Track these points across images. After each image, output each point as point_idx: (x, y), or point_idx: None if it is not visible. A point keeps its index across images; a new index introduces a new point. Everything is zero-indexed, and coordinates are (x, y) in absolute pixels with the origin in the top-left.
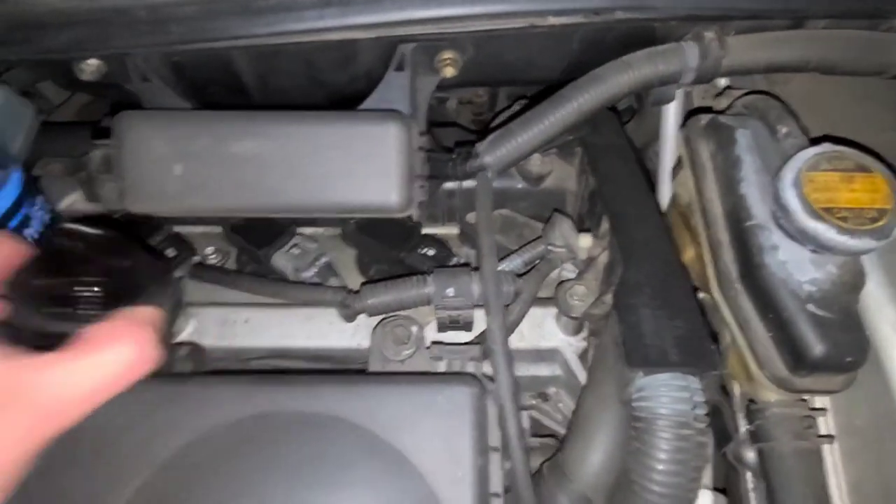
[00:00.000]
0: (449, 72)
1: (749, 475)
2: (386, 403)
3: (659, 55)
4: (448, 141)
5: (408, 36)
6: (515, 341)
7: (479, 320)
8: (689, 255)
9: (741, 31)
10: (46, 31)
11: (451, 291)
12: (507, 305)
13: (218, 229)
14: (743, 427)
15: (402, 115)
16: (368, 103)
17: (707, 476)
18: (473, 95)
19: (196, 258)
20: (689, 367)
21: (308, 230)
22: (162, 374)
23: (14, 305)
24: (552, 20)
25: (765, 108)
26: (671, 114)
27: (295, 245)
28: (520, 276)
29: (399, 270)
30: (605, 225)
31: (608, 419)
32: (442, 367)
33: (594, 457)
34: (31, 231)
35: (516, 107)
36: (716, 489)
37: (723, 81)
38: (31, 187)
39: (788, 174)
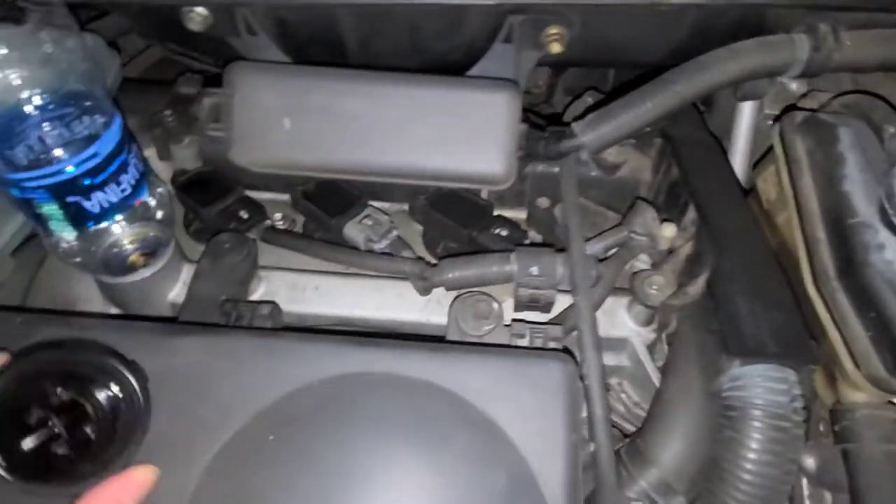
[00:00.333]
0: (555, 48)
1: (805, 481)
2: (480, 372)
3: (769, 45)
4: None
5: (521, 6)
6: None
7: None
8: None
9: (853, 27)
10: None
11: (534, 270)
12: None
13: (285, 197)
14: (822, 427)
15: (515, 85)
16: (473, 73)
17: None
18: (532, 86)
19: (268, 222)
20: (789, 360)
21: (377, 203)
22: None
23: None
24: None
25: (870, 108)
26: (747, 109)
27: (367, 216)
28: (600, 261)
29: (468, 249)
30: (689, 216)
31: (692, 408)
32: (523, 344)
33: (676, 444)
34: (128, 177)
35: (589, 98)
36: None
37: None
38: (128, 135)
39: None
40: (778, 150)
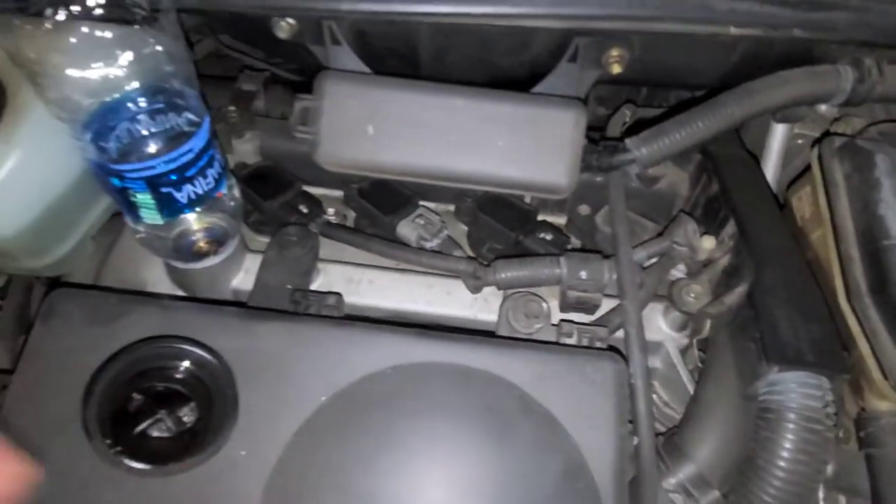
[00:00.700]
0: (616, 68)
1: (821, 485)
2: (539, 367)
3: (816, 74)
4: None
5: (587, 29)
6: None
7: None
8: None
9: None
10: None
11: (583, 274)
12: None
13: (338, 193)
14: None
15: (581, 104)
16: (539, 89)
17: None
18: None
19: (327, 217)
20: (824, 368)
21: (429, 203)
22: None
23: None
24: (734, 31)
25: None
26: (780, 130)
27: (420, 216)
28: (642, 269)
29: (513, 251)
30: (728, 230)
31: (728, 409)
32: (572, 342)
33: (712, 441)
34: (213, 171)
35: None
36: None
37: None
38: (213, 131)
39: None
40: (816, 172)
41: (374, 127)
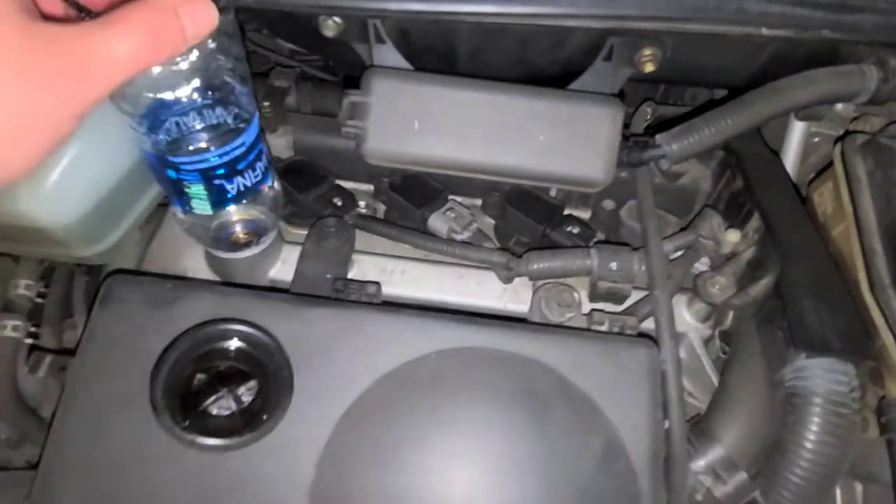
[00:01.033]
0: (648, 67)
1: None
2: (577, 352)
3: (841, 74)
4: None
5: (624, 29)
6: (648, 322)
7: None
8: None
9: None
10: None
11: (613, 266)
12: None
13: (368, 187)
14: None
15: (619, 101)
16: (574, 86)
17: None
18: None
19: (359, 209)
20: (850, 355)
21: (457, 197)
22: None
23: None
24: (765, 32)
25: None
26: (799, 127)
27: (450, 209)
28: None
29: (540, 244)
30: (753, 224)
31: (755, 395)
32: (603, 330)
33: (740, 425)
34: (261, 164)
35: (648, 108)
36: None
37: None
38: (261, 125)
39: None
40: (839, 168)
41: (420, 122)
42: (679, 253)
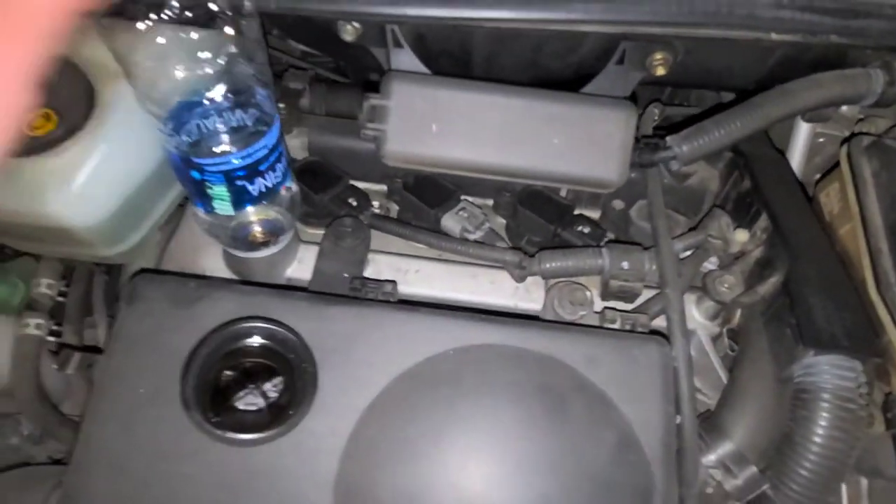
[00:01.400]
0: (660, 71)
1: None
2: (591, 349)
3: (848, 78)
4: None
5: (636, 34)
6: (659, 320)
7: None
8: None
9: None
10: None
11: (625, 265)
12: None
13: (381, 187)
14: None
15: (632, 105)
16: (588, 89)
17: None
18: None
19: (374, 209)
20: (857, 352)
21: (468, 197)
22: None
23: None
24: (774, 37)
25: None
26: (804, 128)
27: (463, 209)
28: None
29: (552, 244)
30: (761, 224)
31: (764, 390)
32: (615, 328)
33: (749, 421)
34: (282, 165)
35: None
36: None
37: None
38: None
39: None
40: (845, 169)
41: (438, 125)
42: (688, 252)
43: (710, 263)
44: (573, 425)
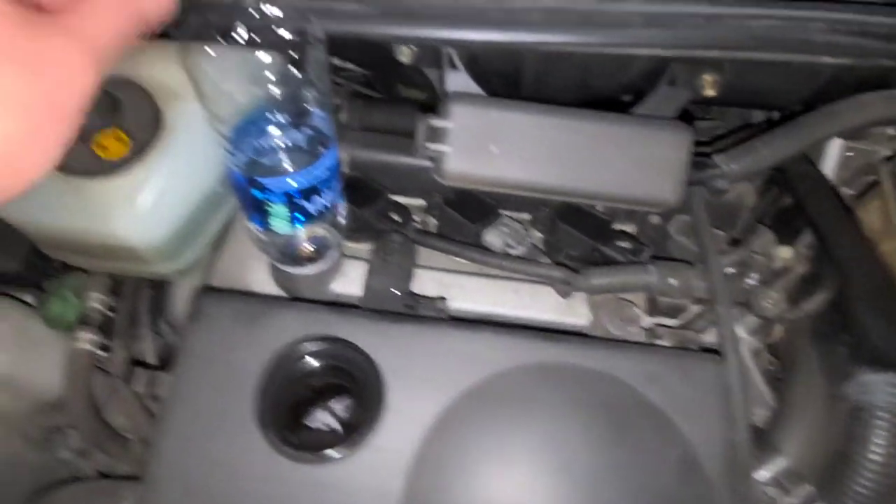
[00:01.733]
0: (709, 91)
1: None
2: (649, 367)
3: (893, 99)
4: None
5: (689, 57)
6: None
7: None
8: None
9: None
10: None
11: (673, 282)
12: None
13: (419, 201)
14: None
15: (689, 127)
16: (641, 109)
17: None
18: None
19: (416, 224)
20: None
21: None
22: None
23: None
24: (828, 60)
25: None
26: (837, 146)
27: (504, 224)
28: None
29: (591, 259)
30: (804, 240)
31: (817, 407)
32: (664, 345)
33: (802, 438)
34: (337, 185)
35: None
36: None
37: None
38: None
39: None
40: (887, 185)
41: (498, 146)
42: (731, 269)
43: (750, 278)
44: (635, 444)
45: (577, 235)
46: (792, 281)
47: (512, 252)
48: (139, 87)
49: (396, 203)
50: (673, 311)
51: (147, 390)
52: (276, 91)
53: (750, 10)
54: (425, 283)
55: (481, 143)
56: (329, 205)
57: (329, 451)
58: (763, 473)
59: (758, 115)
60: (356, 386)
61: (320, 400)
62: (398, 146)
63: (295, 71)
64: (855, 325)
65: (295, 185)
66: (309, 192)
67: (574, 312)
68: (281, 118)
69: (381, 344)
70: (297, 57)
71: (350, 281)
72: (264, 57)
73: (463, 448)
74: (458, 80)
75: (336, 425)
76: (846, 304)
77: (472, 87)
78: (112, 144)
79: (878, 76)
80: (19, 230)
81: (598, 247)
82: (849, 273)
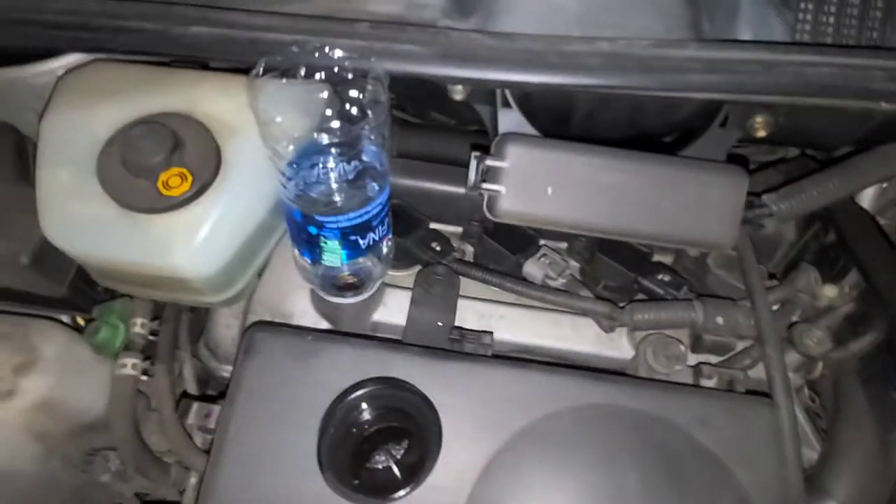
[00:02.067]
0: (760, 133)
1: None
2: (702, 410)
3: None
4: None
5: (746, 101)
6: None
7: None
8: None
9: None
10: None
11: (720, 320)
12: None
13: (457, 229)
14: None
15: (743, 170)
16: (691, 151)
17: None
18: None
19: (456, 254)
20: None
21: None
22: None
23: None
24: (885, 106)
25: None
26: None
27: (544, 255)
28: None
29: (630, 290)
30: (850, 279)
31: (866, 450)
32: (711, 384)
33: (853, 482)
34: (388, 219)
35: None
36: None
37: None
38: None
39: None
40: None
41: (553, 187)
42: (776, 306)
43: (794, 315)
44: (689, 488)
45: (617, 267)
46: (836, 320)
47: (552, 283)
48: (198, 123)
49: (437, 232)
50: (718, 349)
51: (195, 421)
52: (335, 128)
53: (808, 56)
54: (465, 313)
55: (537, 184)
56: (380, 239)
57: (390, 494)
58: None
59: (792, 150)
60: (414, 426)
61: (383, 441)
62: (439, 174)
63: (355, 109)
64: None
65: (350, 222)
66: (363, 229)
67: (615, 346)
68: (339, 155)
69: (433, 383)
70: (357, 95)
71: (390, 310)
72: (325, 95)
73: (516, 489)
74: (513, 121)
75: (391, 464)
76: None
77: (523, 122)
78: (175, 182)
79: None
80: (75, 261)
81: (637, 279)
82: None
